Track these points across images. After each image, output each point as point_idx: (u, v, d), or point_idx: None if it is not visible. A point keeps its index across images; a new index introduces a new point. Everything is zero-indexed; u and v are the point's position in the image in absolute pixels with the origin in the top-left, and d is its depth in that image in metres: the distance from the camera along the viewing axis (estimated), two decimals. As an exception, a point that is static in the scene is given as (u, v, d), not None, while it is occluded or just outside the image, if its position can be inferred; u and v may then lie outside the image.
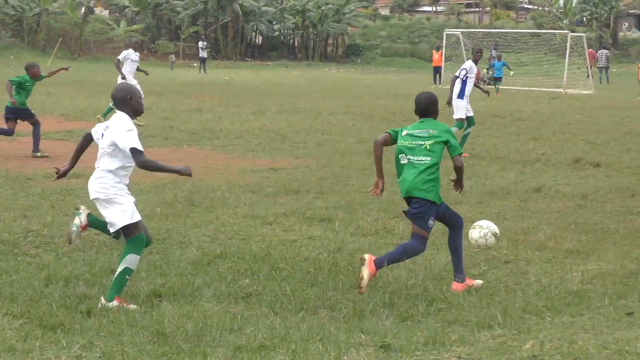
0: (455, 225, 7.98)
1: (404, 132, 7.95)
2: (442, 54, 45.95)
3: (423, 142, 7.78)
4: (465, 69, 17.64)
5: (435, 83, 44.69)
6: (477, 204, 12.03)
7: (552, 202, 12.22)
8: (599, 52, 51.52)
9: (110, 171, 7.09)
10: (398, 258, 7.84)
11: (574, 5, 78.99)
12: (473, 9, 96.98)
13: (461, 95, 17.32)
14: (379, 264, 7.66)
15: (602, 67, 50.28)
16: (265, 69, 63.66)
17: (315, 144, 18.81)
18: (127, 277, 7.12)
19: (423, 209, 7.71)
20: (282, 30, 77.02)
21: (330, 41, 77.13)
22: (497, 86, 40.10)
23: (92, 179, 7.18)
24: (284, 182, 13.49)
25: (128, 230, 7.10)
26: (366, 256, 7.63)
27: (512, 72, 43.28)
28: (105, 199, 7.08)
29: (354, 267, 8.26)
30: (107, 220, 7.15)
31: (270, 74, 55.86)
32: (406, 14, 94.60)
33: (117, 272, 7.07)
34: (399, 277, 8.05)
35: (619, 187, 13.39)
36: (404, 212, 7.97)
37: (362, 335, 6.37)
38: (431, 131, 7.84)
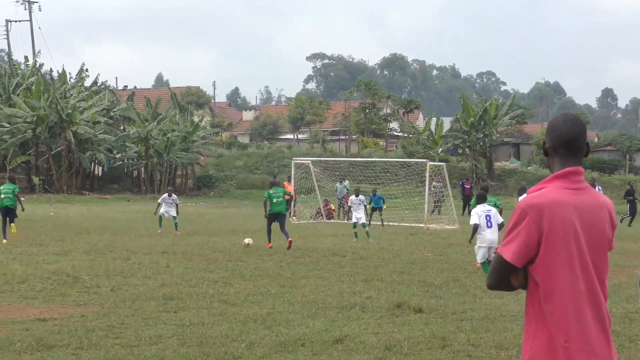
0: None
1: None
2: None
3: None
4: None
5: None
6: (260, 357, 11.30)
7: (349, 355, 11.60)
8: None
9: None
10: None
11: (444, 133, 78.53)
12: (339, 137, 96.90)
13: None
14: None
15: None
16: (104, 203, 62.47)
17: (110, 289, 17.91)
18: None
19: None
20: (125, 160, 75.97)
21: (180, 172, 76.29)
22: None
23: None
24: (42, 336, 12.57)
25: None
26: None
27: (385, 206, 43.02)
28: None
29: None
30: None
31: (106, 208, 54.80)
32: (266, 142, 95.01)
33: None
34: None
35: (433, 335, 12.88)
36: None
37: None
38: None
